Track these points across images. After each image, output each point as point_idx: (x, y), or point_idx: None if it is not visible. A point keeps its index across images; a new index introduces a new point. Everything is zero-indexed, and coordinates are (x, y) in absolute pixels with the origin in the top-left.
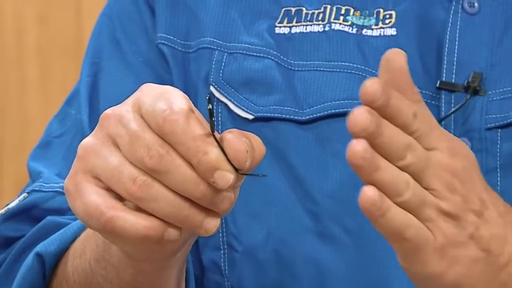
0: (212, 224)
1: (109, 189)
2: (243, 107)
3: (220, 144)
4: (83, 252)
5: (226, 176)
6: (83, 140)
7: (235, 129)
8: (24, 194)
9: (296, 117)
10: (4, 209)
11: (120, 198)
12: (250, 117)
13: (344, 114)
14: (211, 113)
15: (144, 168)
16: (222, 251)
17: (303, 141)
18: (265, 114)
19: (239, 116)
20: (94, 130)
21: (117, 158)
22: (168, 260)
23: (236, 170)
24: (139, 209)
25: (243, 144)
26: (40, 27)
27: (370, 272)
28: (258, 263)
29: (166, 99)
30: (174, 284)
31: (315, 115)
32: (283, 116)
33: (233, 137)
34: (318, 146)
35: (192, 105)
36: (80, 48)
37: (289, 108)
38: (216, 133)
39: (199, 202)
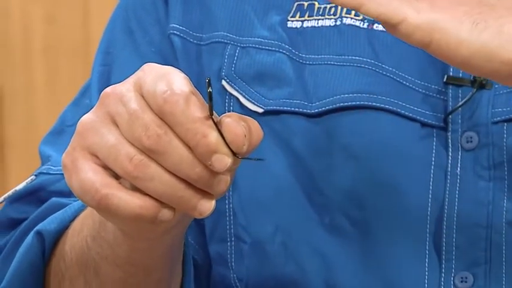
0: (207, 206)
1: (106, 167)
2: (253, 101)
3: (218, 127)
4: (80, 230)
5: (224, 160)
6: (83, 117)
7: (233, 113)
8: (32, 177)
9: (305, 111)
10: (12, 191)
11: (116, 176)
12: (260, 110)
13: (353, 108)
14: (210, 96)
15: (142, 148)
16: (228, 243)
17: (312, 135)
18: (275, 107)
19: (249, 109)
20: (94, 107)
21: (115, 136)
22: (162, 239)
23: (233, 153)
24: (135, 188)
25: (241, 128)
26: (47, 27)
27: (377, 264)
28: (266, 255)
29: (168, 80)
30: (170, 263)
31: (324, 108)
32: (293, 109)
33: (232, 121)
34: (327, 139)
35: (193, 87)
36: (87, 48)
37: (298, 101)
38: (215, 116)
39: (195, 184)
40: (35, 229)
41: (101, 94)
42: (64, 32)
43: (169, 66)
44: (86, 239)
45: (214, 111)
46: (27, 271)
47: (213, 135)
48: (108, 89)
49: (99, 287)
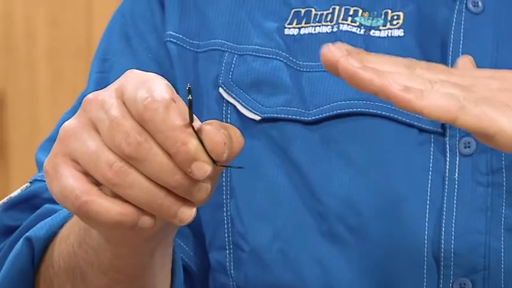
0: (187, 213)
1: (87, 173)
2: (250, 108)
3: (198, 135)
4: (67, 237)
5: (203, 167)
6: (65, 122)
7: (214, 120)
8: (27, 184)
9: (302, 118)
10: (6, 198)
11: (97, 183)
12: (257, 118)
13: (350, 115)
14: (190, 104)
15: (122, 155)
16: (227, 251)
17: (309, 142)
18: (272, 115)
19: (247, 117)
20: (76, 113)
21: (95, 142)
22: (145, 246)
23: (213, 161)
24: (115, 195)
25: (221, 136)
26: (51, 30)
27: (375, 272)
28: (264, 263)
29: (148, 87)
30: (155, 270)
31: (321, 115)
32: (290, 116)
33: (212, 129)
34: (324, 146)
35: (175, 94)
36: (90, 50)
37: (295, 109)
38: (195, 123)
39: (175, 191)
40: (24, 236)
41: (84, 100)
42: (67, 35)
43: (151, 73)
44: (72, 245)
45: (196, 119)
46: (17, 278)
47: (193, 143)
48: (90, 95)
49: None
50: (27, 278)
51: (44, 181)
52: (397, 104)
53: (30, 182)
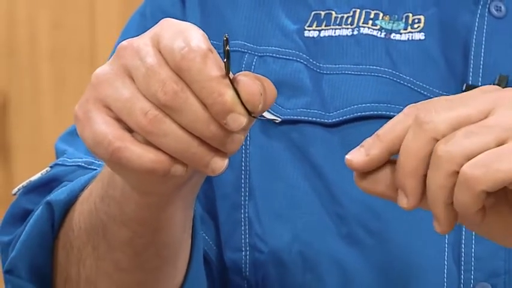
0: (219, 163)
1: (119, 120)
2: (270, 110)
3: (234, 86)
4: (89, 196)
5: (239, 119)
6: (98, 69)
7: (248, 71)
8: (47, 168)
9: (323, 120)
10: (26, 182)
11: (129, 130)
12: (278, 120)
13: (370, 118)
14: (227, 55)
15: (157, 103)
16: (243, 252)
17: (329, 144)
18: (293, 117)
19: (267, 118)
20: (110, 59)
21: (130, 90)
22: (172, 195)
23: (248, 112)
24: (148, 142)
25: (257, 87)
26: (54, 32)
27: (394, 275)
28: (283, 265)
29: (186, 37)
30: (178, 227)
31: (341, 118)
32: (310, 119)
33: (248, 80)
34: (344, 149)
35: (211, 45)
36: (93, 53)
37: (316, 111)
38: (231, 74)
39: (209, 141)
40: (44, 200)
41: (118, 47)
42: (70, 37)
43: (187, 23)
44: (94, 202)
45: (230, 70)
46: (37, 241)
47: (229, 94)
48: (124, 42)
49: (106, 250)
50: (47, 241)
51: (65, 165)
52: None
53: (51, 167)
